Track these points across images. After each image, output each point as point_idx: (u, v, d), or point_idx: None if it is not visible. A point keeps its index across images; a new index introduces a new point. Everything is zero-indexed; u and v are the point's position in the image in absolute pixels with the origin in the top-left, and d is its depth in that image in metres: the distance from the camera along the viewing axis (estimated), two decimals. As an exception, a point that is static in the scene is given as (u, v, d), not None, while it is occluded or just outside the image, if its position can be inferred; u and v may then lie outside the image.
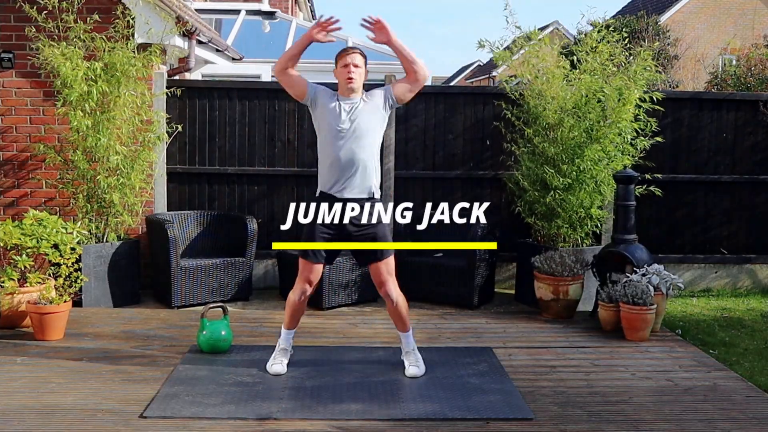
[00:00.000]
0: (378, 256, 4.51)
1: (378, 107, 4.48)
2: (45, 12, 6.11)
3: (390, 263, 4.56)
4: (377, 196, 4.54)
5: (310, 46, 4.48)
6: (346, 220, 4.44)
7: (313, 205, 4.53)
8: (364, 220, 4.46)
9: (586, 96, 6.25)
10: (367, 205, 4.47)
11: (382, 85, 6.75)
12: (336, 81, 4.53)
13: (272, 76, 12.00)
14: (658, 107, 6.45)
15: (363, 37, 4.81)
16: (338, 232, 4.48)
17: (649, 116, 6.48)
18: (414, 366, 4.63)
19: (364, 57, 4.48)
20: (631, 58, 6.50)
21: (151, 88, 6.57)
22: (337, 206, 4.43)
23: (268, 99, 7.05)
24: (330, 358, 4.89)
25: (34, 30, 6.21)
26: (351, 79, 4.40)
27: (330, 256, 4.60)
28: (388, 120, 4.59)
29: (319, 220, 4.47)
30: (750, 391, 4.46)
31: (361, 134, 4.39)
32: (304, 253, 4.52)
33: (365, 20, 4.40)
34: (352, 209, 4.43)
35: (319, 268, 4.55)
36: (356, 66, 4.41)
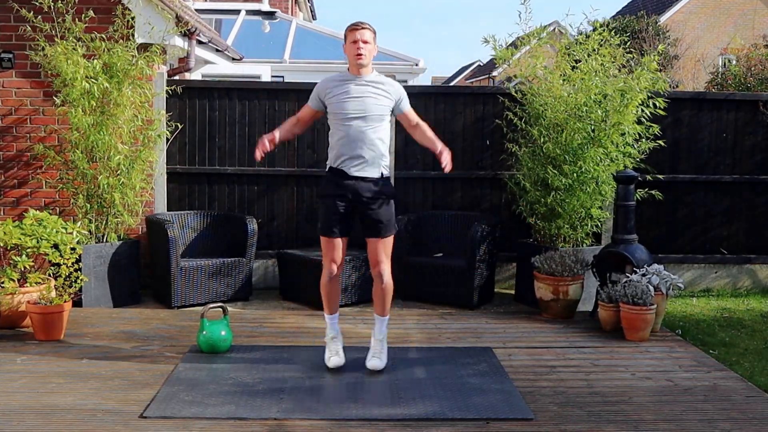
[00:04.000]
0: (379, 229, 4.54)
1: (388, 96, 4.52)
2: (41, 14, 6.12)
3: (388, 244, 4.60)
4: (386, 174, 4.58)
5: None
6: (355, 193, 4.48)
7: (324, 183, 4.60)
8: (371, 195, 4.49)
9: (589, 97, 6.24)
10: (378, 182, 4.51)
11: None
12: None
13: (272, 76, 12.02)
14: (661, 111, 6.43)
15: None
16: (349, 201, 4.50)
17: (650, 120, 6.46)
18: (377, 357, 4.66)
19: (374, 33, 4.50)
20: (633, 60, 6.49)
21: (151, 87, 6.57)
22: (347, 180, 4.47)
23: (268, 99, 7.04)
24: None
25: (30, 30, 6.22)
26: (360, 55, 4.42)
27: (345, 227, 4.58)
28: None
29: (332, 196, 4.52)
30: (750, 391, 4.46)
31: (369, 114, 4.44)
32: (325, 231, 4.56)
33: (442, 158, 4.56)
34: (361, 184, 4.48)
35: (340, 243, 4.57)
36: (365, 42, 4.42)
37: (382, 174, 4.55)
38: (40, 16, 6.16)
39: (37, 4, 6.14)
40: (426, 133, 4.68)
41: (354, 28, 4.45)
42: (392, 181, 6.99)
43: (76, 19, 6.13)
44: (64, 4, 6.10)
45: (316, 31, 14.53)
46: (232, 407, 4.04)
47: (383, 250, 4.58)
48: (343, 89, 4.47)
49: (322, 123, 6.91)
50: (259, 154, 4.51)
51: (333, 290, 4.69)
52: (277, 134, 4.59)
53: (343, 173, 4.50)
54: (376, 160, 4.50)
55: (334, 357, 4.68)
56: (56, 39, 6.13)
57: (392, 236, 4.63)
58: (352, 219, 4.61)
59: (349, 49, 4.47)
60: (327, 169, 4.62)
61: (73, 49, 6.02)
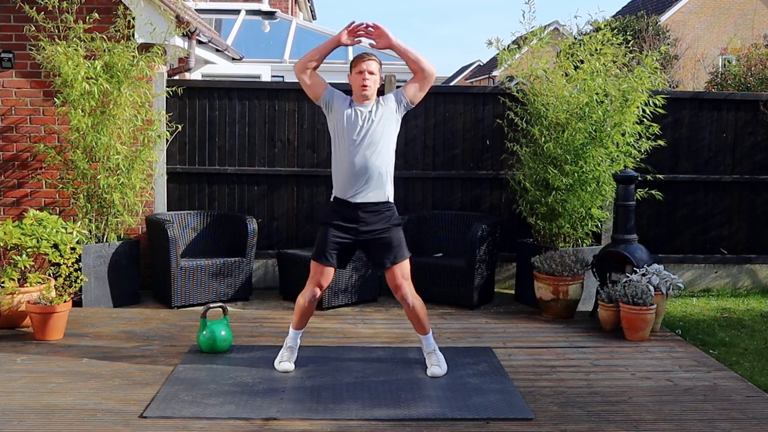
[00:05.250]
0: (392, 259, 4.51)
1: (392, 111, 4.50)
2: (44, 12, 6.12)
3: (404, 267, 4.55)
4: (391, 199, 4.55)
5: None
6: (359, 225, 4.45)
7: (328, 210, 4.58)
8: (377, 225, 4.47)
9: (591, 97, 6.23)
10: (382, 210, 4.49)
11: (382, 86, 6.78)
12: (346, 83, 4.56)
13: (272, 76, 12.02)
14: (660, 110, 6.43)
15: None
16: (352, 236, 4.48)
17: (650, 120, 6.46)
18: (436, 366, 4.63)
19: (380, 64, 4.50)
20: (634, 61, 6.49)
21: (151, 88, 6.57)
22: (351, 210, 4.45)
23: (268, 99, 7.04)
24: (330, 358, 4.89)
25: (34, 29, 6.21)
26: (365, 86, 4.42)
27: (342, 261, 4.58)
28: (401, 122, 4.60)
29: (333, 225, 4.49)
30: (750, 391, 4.46)
31: (374, 141, 4.41)
32: (317, 256, 4.52)
33: (362, 29, 4.41)
34: (366, 213, 4.45)
35: (330, 272, 4.54)
36: (371, 73, 4.43)
37: (388, 198, 4.52)
38: (42, 14, 6.14)
39: (41, 3, 6.13)
40: (406, 62, 4.51)
41: (361, 59, 4.44)
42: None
43: (79, 20, 6.12)
44: (69, 4, 6.10)
45: (316, 31, 14.53)
46: (232, 407, 4.04)
47: (400, 273, 4.53)
48: (349, 113, 4.44)
49: (322, 123, 6.94)
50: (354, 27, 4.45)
51: (308, 311, 4.65)
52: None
53: (347, 203, 4.46)
54: (381, 184, 4.47)
55: (285, 362, 4.66)
56: (57, 39, 6.13)
57: (407, 260, 4.58)
58: (350, 254, 4.60)
59: (354, 80, 4.46)
60: (332, 198, 4.57)
61: (75, 49, 6.01)
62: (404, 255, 4.55)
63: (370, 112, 4.45)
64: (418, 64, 4.45)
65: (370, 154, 4.39)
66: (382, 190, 4.47)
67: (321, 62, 4.50)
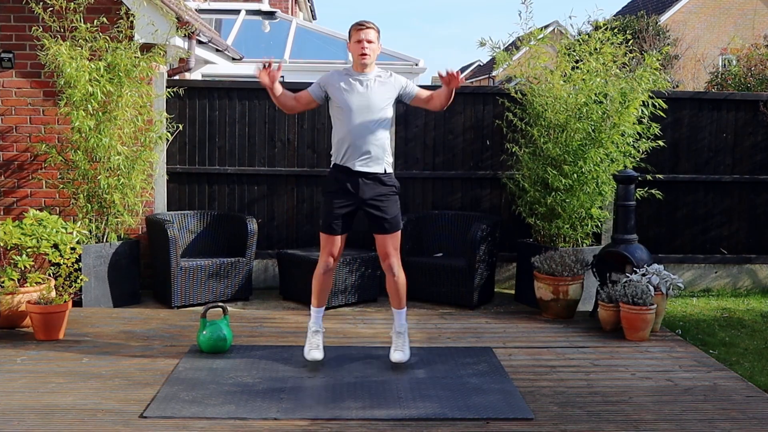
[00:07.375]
0: (386, 227, 4.62)
1: (392, 90, 4.60)
2: (50, 10, 6.11)
3: (396, 238, 4.69)
4: (389, 170, 4.65)
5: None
6: (359, 192, 4.55)
7: (328, 179, 4.69)
8: (377, 191, 4.57)
9: (590, 97, 6.23)
10: (382, 178, 4.59)
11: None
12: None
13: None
14: (661, 113, 6.43)
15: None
16: (353, 201, 4.58)
17: (650, 120, 6.46)
18: (399, 351, 4.72)
19: (378, 32, 4.58)
20: (634, 61, 6.48)
21: (152, 89, 6.57)
22: (351, 177, 4.54)
23: (268, 99, 7.01)
24: (330, 358, 4.89)
25: (41, 30, 6.18)
26: (364, 54, 4.51)
27: (348, 226, 4.68)
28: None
29: (335, 193, 4.60)
30: (750, 391, 4.46)
31: (372, 109, 4.50)
32: (324, 228, 4.64)
33: (447, 72, 4.42)
34: (366, 181, 4.55)
35: (338, 240, 4.65)
36: (369, 41, 4.52)
37: (385, 170, 4.61)
38: (48, 13, 6.13)
39: (48, 2, 6.12)
40: (441, 94, 4.61)
41: (359, 27, 4.53)
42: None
43: (87, 21, 6.11)
44: (76, 4, 6.09)
45: (316, 31, 14.53)
46: (232, 407, 4.04)
47: (391, 244, 4.67)
48: (348, 84, 4.55)
49: (322, 123, 6.93)
50: (263, 69, 4.44)
51: (326, 283, 4.76)
52: (278, 84, 4.53)
53: (347, 169, 4.55)
54: (380, 155, 4.56)
55: (315, 350, 4.71)
56: (61, 39, 6.11)
57: (399, 231, 4.71)
58: (354, 217, 4.69)
59: (353, 48, 4.55)
60: (331, 166, 4.67)
61: (78, 49, 6.00)
62: (398, 226, 4.69)
63: (370, 81, 4.55)
64: (442, 105, 4.63)
65: (368, 121, 4.49)
66: (380, 158, 4.56)
67: (283, 96, 4.60)
